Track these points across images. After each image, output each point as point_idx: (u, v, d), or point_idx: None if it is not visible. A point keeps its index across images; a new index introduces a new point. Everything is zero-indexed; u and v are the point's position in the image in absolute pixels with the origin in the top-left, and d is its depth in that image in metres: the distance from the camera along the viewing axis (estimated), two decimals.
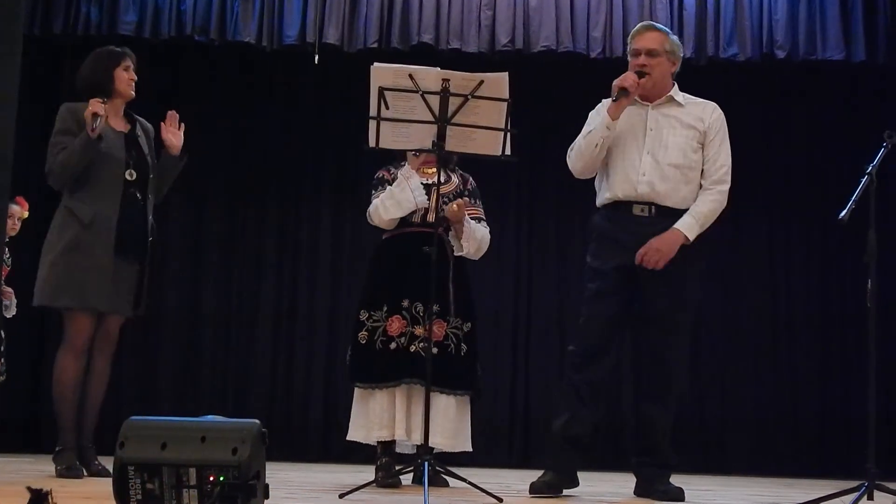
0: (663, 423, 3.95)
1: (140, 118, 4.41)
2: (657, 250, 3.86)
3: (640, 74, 3.93)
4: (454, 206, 4.28)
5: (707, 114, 4.04)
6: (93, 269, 4.13)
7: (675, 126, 3.98)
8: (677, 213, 3.93)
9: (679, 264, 3.90)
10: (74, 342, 4.21)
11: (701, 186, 4.02)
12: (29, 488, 2.32)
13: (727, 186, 4.03)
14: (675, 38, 4.13)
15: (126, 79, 4.28)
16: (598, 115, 4.01)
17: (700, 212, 3.96)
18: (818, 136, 7.51)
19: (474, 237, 4.37)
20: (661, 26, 4.19)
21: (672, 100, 4.02)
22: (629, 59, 4.04)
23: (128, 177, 4.22)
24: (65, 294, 4.15)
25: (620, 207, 3.96)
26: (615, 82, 3.91)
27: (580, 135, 4.03)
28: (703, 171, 4.01)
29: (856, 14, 6.51)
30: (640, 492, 3.95)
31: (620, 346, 4.07)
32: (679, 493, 3.80)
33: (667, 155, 3.93)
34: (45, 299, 4.21)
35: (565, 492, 3.89)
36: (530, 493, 3.84)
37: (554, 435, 3.96)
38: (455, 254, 4.37)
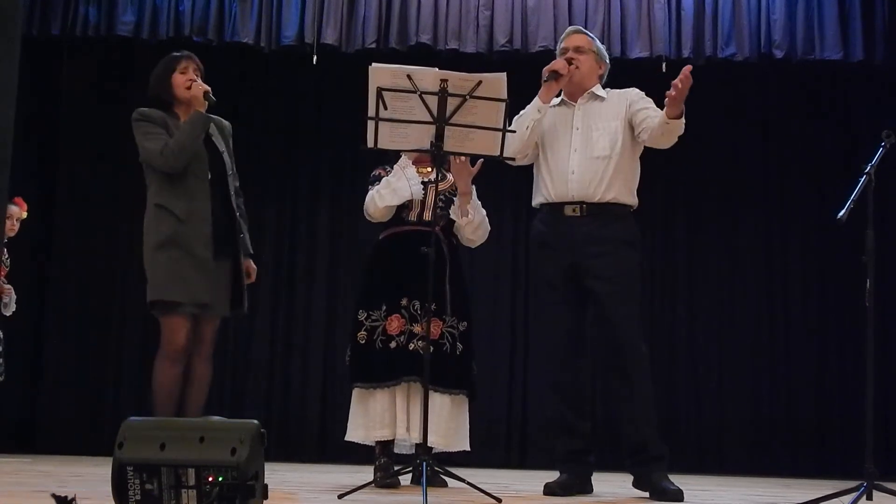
0: (639, 415, 3.93)
1: (214, 117, 4.37)
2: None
3: (569, 63, 4.04)
4: (458, 160, 4.21)
5: (625, 95, 4.10)
6: (194, 264, 4.09)
7: (600, 120, 4.04)
8: (608, 210, 3.96)
9: (617, 255, 3.95)
10: (169, 348, 4.16)
11: (633, 171, 4.05)
12: (54, 495, 2.34)
13: None
14: (602, 46, 4.25)
15: (183, 81, 4.24)
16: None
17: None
18: (816, 135, 7.52)
19: (479, 211, 4.37)
20: (589, 33, 4.31)
21: (595, 96, 4.09)
22: (559, 57, 4.12)
23: (208, 177, 4.20)
24: (173, 288, 4.08)
25: (553, 209, 4.03)
26: (546, 67, 4.00)
27: (514, 120, 4.08)
28: (642, 128, 3.97)
29: (854, 14, 6.52)
30: (637, 483, 3.95)
31: (589, 349, 4.10)
32: (678, 494, 3.80)
33: (594, 149, 3.99)
34: (157, 294, 4.10)
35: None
36: (544, 493, 3.91)
37: (559, 454, 4.07)
38: (458, 221, 4.33)
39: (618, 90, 4.16)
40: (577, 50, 4.09)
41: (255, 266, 4.42)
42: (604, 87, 4.16)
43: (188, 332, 4.16)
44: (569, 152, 4.01)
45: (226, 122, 4.45)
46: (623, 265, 3.97)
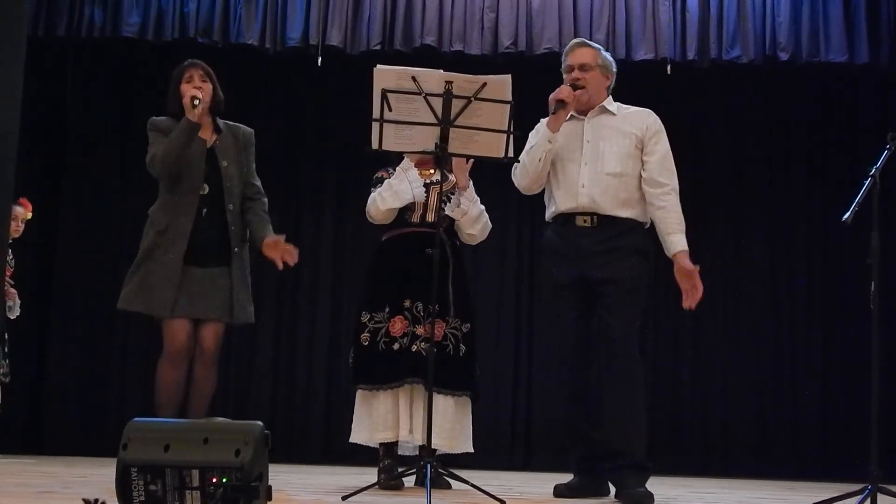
0: (625, 420, 3.87)
1: (233, 124, 4.37)
2: (691, 284, 3.92)
3: (575, 87, 4.01)
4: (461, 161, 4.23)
5: (642, 119, 4.07)
6: (161, 276, 4.12)
7: (611, 136, 4.02)
8: (618, 221, 3.96)
9: (625, 263, 3.94)
10: (168, 350, 4.20)
11: (642, 193, 4.01)
12: (85, 500, 2.37)
13: (677, 182, 4.03)
14: (607, 54, 4.21)
15: (187, 90, 4.19)
16: (538, 133, 4.07)
17: (678, 220, 3.98)
18: (821, 138, 7.51)
19: (476, 205, 4.36)
20: (594, 44, 4.27)
21: (605, 110, 4.08)
22: (563, 75, 4.10)
23: (201, 191, 4.20)
24: (137, 299, 4.15)
25: (565, 220, 4.03)
26: (551, 96, 3.97)
27: (523, 153, 4.07)
28: (648, 176, 3.99)
29: (859, 16, 6.51)
30: (616, 494, 3.90)
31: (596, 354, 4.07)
32: (647, 497, 3.75)
33: (604, 165, 3.98)
34: (121, 303, 4.20)
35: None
36: (554, 494, 3.91)
37: (573, 459, 4.06)
38: (452, 215, 4.32)
39: (632, 109, 4.11)
40: (583, 68, 4.05)
41: (276, 240, 4.25)
42: (615, 100, 4.13)
43: (187, 334, 4.19)
44: (579, 166, 4.00)
45: (245, 129, 4.40)
46: (630, 272, 3.95)
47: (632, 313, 3.97)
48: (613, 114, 4.08)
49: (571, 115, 4.07)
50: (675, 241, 3.96)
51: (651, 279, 4.10)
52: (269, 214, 4.37)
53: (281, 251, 4.19)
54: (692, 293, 3.94)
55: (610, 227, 3.96)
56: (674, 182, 4.02)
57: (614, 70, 4.18)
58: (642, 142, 4.03)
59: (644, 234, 4.05)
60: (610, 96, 4.13)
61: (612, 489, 4.05)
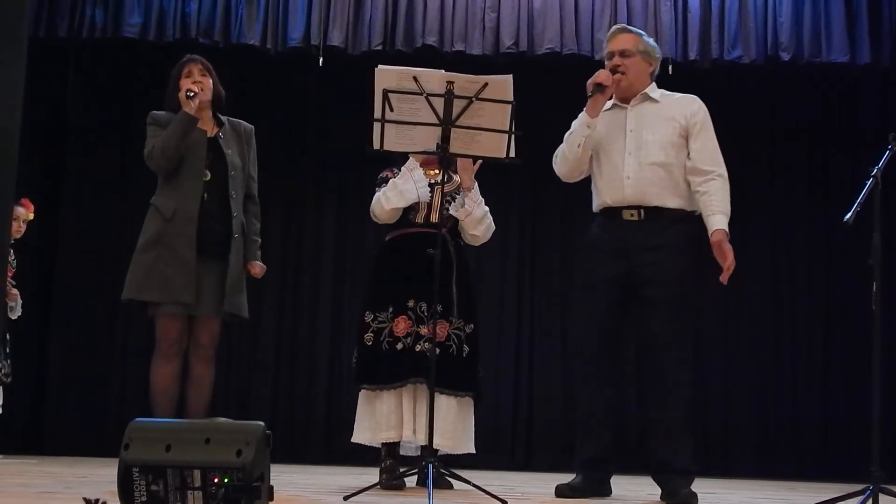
0: (668, 431, 3.90)
1: (234, 120, 4.43)
2: (727, 259, 3.91)
3: (615, 72, 3.95)
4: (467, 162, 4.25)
5: (687, 106, 4.00)
6: (176, 263, 4.14)
7: (654, 123, 3.95)
8: (665, 214, 3.91)
9: (672, 262, 3.89)
10: (162, 346, 4.21)
11: (688, 182, 3.96)
12: (85, 500, 2.38)
13: (724, 170, 3.98)
14: (650, 40, 4.14)
15: (186, 84, 4.25)
16: (579, 121, 4.03)
17: (720, 202, 3.91)
18: (822, 138, 7.51)
19: (481, 206, 4.35)
20: (636, 29, 4.21)
21: (648, 97, 4.01)
22: (605, 62, 4.05)
23: (204, 178, 4.23)
24: (150, 288, 4.15)
25: (612, 213, 3.97)
26: (589, 80, 3.92)
27: (564, 140, 4.05)
28: (692, 165, 3.93)
29: (860, 16, 6.51)
30: (662, 497, 3.92)
31: (624, 355, 4.06)
32: (691, 497, 3.79)
33: (648, 154, 3.91)
34: (131, 293, 4.20)
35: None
36: (556, 494, 3.91)
37: (579, 457, 4.04)
38: (456, 215, 4.32)
39: (677, 95, 4.06)
40: (623, 54, 3.98)
41: (261, 265, 4.43)
42: (658, 86, 4.07)
43: (178, 330, 4.21)
44: (623, 157, 3.94)
45: (246, 125, 4.48)
46: (678, 272, 3.90)
47: (680, 311, 3.93)
48: (657, 101, 4.01)
49: (614, 104, 4.02)
50: (713, 221, 3.90)
51: (698, 270, 4.02)
52: (264, 217, 4.52)
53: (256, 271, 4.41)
54: (726, 269, 3.92)
55: (658, 220, 3.89)
56: (720, 169, 3.94)
57: (658, 56, 4.10)
58: (686, 129, 3.95)
59: (693, 225, 3.98)
60: (654, 83, 4.06)
61: (614, 489, 4.07)
